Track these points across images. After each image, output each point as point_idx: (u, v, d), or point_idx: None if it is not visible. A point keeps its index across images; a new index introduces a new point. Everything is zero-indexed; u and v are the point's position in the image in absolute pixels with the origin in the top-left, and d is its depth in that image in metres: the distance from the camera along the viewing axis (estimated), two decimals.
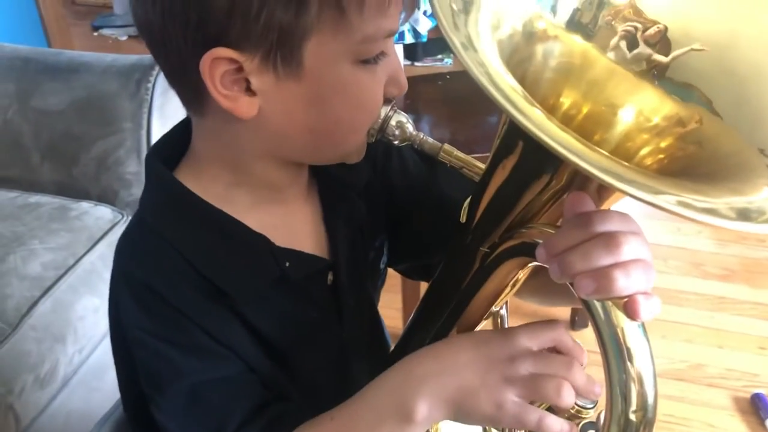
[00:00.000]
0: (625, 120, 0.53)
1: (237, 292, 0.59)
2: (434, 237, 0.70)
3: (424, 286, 0.72)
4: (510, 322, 0.66)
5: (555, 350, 0.53)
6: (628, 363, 0.44)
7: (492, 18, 0.44)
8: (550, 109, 0.53)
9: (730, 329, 1.83)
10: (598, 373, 0.49)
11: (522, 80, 0.47)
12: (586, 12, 0.52)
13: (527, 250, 0.48)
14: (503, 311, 0.63)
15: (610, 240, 0.44)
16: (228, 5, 0.48)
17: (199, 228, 0.59)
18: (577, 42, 0.52)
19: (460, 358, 0.52)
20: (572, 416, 0.52)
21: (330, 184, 0.68)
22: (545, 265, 0.47)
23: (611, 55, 0.52)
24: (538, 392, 0.50)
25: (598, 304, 0.45)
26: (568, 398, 0.49)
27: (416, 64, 2.84)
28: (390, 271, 0.81)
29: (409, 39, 1.71)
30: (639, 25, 0.51)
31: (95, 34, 3.55)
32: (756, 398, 1.62)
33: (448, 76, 1.87)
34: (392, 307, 1.61)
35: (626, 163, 0.42)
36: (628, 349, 0.44)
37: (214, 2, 0.48)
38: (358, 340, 0.71)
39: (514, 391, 0.50)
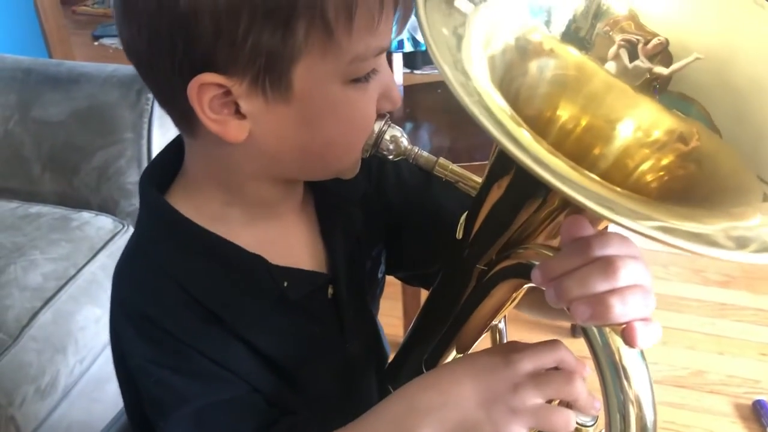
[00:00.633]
0: (624, 134, 0.53)
1: (234, 316, 0.58)
2: (431, 247, 0.70)
3: (425, 293, 0.72)
4: (509, 329, 0.66)
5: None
6: (627, 386, 0.44)
7: (484, 35, 0.43)
8: (547, 123, 0.52)
9: (731, 336, 1.83)
10: (596, 380, 0.49)
11: (517, 95, 0.47)
12: (582, 23, 0.51)
13: (523, 272, 0.48)
14: (501, 325, 0.63)
15: (607, 265, 0.43)
16: (213, 31, 0.47)
17: (193, 253, 0.59)
18: (574, 54, 0.51)
19: (463, 390, 0.51)
20: None
21: (326, 197, 0.67)
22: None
23: (610, 67, 0.52)
24: (544, 425, 0.49)
25: (595, 329, 0.45)
26: (572, 428, 0.49)
27: (416, 72, 2.85)
28: (391, 278, 0.81)
29: (408, 47, 1.71)
30: (639, 38, 0.51)
31: (96, 43, 3.57)
32: (758, 405, 1.62)
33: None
34: (393, 315, 1.61)
35: (617, 189, 0.41)
36: (625, 372, 0.44)
37: (199, 28, 0.47)
38: (361, 350, 0.71)
39: (520, 423, 0.49)
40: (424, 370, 0.64)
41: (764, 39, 0.50)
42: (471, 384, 0.51)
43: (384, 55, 0.54)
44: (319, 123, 0.53)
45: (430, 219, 0.71)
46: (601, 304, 0.43)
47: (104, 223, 1.50)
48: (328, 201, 0.68)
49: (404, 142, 0.57)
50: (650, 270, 0.46)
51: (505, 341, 0.65)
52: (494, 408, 0.50)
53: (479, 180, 0.56)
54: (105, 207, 1.55)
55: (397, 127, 0.57)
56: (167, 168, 0.62)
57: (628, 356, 0.44)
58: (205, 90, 0.49)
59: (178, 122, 0.56)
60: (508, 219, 0.50)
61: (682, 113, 0.51)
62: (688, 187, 0.47)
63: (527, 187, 0.48)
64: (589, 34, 0.51)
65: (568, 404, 0.51)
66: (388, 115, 0.57)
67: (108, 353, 0.72)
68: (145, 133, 1.51)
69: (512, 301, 0.56)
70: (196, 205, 0.59)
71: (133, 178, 1.52)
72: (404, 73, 1.92)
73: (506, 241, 0.51)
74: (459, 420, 0.50)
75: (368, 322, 0.75)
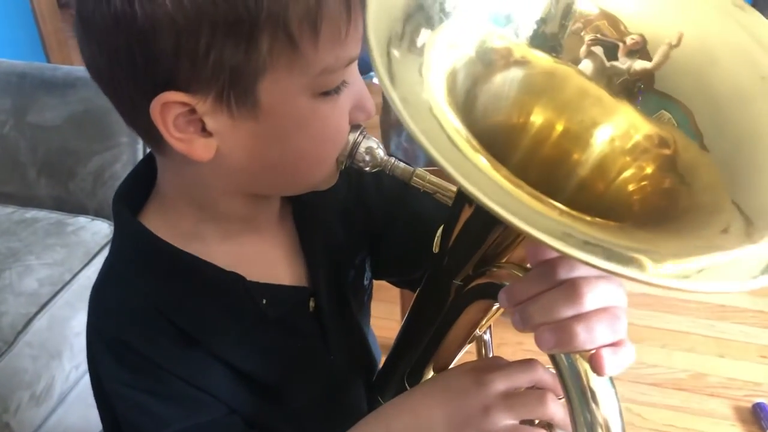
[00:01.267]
0: (602, 138, 0.51)
1: (212, 338, 0.58)
2: (412, 253, 0.69)
3: None
4: (502, 332, 0.64)
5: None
6: (595, 409, 0.43)
7: (446, 46, 0.42)
8: (522, 129, 0.51)
9: (731, 338, 1.82)
10: None
11: (484, 111, 0.45)
12: (551, 24, 0.49)
13: (494, 293, 0.46)
14: (487, 336, 0.62)
15: (571, 289, 0.41)
16: (173, 48, 0.45)
17: (168, 275, 0.58)
18: (546, 58, 0.49)
19: (435, 413, 0.51)
20: None
21: (304, 208, 0.66)
22: None
23: (585, 69, 0.50)
24: None
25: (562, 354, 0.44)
26: None
27: None
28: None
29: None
30: (614, 39, 0.50)
31: None
32: (758, 408, 1.61)
33: None
34: (391, 318, 1.60)
35: (584, 216, 0.39)
36: (593, 395, 0.43)
37: (159, 45, 0.45)
38: (346, 361, 0.71)
39: None
40: (407, 386, 0.64)
41: (744, 42, 0.48)
42: (442, 407, 0.51)
43: (355, 65, 0.53)
44: (289, 138, 0.52)
45: (411, 226, 0.70)
46: (565, 331, 0.41)
47: (100, 227, 1.50)
48: (306, 212, 0.67)
49: (380, 153, 0.55)
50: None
51: (491, 352, 0.64)
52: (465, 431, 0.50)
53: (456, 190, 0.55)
54: (101, 212, 1.55)
55: (372, 137, 0.56)
56: (141, 184, 0.61)
57: (596, 378, 0.43)
58: (168, 109, 0.48)
59: (145, 140, 0.54)
60: (482, 234, 0.49)
61: (662, 118, 0.49)
62: (671, 200, 0.45)
63: None
64: (559, 37, 0.49)
65: (548, 423, 0.51)
66: (363, 126, 0.55)
67: None
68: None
69: (488, 319, 0.56)
70: (171, 223, 0.59)
71: None
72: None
73: (482, 256, 0.50)
74: None
75: (354, 331, 0.74)
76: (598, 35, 0.50)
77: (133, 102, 0.49)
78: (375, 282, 0.80)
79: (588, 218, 0.39)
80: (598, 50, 0.50)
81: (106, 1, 0.45)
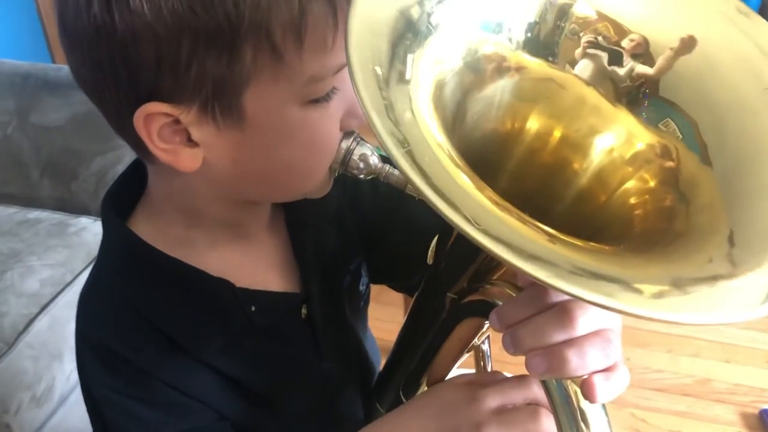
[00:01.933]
0: (602, 148, 0.49)
1: (199, 344, 0.57)
2: (407, 260, 0.68)
3: None
4: (494, 336, 0.63)
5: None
6: (584, 428, 0.41)
7: (436, 57, 0.41)
8: (517, 138, 0.50)
9: (737, 343, 1.80)
10: None
11: (475, 123, 0.44)
12: (545, 28, 0.47)
13: (486, 311, 0.45)
14: (485, 346, 0.61)
15: (563, 313, 0.40)
16: (155, 59, 0.45)
17: (156, 282, 0.57)
18: (541, 64, 0.48)
19: (426, 430, 0.51)
20: None
21: (297, 214, 0.65)
22: None
23: (583, 75, 0.48)
24: None
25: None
26: None
27: None
28: None
29: None
30: (613, 45, 0.48)
31: None
32: (764, 414, 1.59)
33: None
34: (393, 321, 1.59)
35: (578, 242, 0.38)
36: (584, 416, 0.41)
37: (141, 56, 0.45)
38: (340, 367, 0.70)
39: None
40: (403, 398, 0.63)
41: (748, 51, 0.47)
42: (434, 423, 0.51)
43: (346, 71, 0.52)
44: (277, 147, 0.51)
45: (406, 227, 0.69)
46: (556, 357, 0.40)
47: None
48: (299, 218, 0.66)
49: (374, 160, 0.54)
50: None
51: (489, 363, 0.63)
52: None
53: None
54: None
55: (367, 144, 0.54)
56: (130, 189, 0.61)
57: (587, 404, 0.42)
58: (152, 119, 0.47)
59: (134, 149, 0.54)
60: (475, 248, 0.48)
61: (666, 128, 0.48)
62: (665, 225, 0.43)
63: None
64: (554, 41, 0.48)
65: None
66: (357, 132, 0.54)
67: None
68: None
69: (482, 334, 0.55)
70: (160, 229, 0.58)
71: None
72: None
73: (476, 269, 0.49)
74: None
75: (349, 338, 0.74)
76: (598, 38, 0.49)
77: (119, 112, 0.49)
78: (378, 285, 0.79)
79: (580, 243, 0.38)
80: (597, 54, 0.49)
81: (86, 11, 0.45)
